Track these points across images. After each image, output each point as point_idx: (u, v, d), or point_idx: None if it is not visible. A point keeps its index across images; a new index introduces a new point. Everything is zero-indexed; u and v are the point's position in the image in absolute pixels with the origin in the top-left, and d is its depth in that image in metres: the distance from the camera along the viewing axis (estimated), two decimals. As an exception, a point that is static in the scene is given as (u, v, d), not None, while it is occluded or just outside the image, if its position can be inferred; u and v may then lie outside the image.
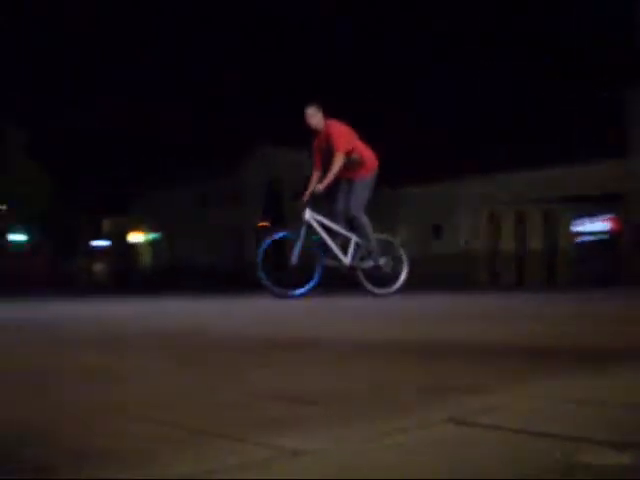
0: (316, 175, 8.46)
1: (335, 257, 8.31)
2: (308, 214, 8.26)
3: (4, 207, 35.98)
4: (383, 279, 8.67)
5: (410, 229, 29.68)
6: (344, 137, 8.24)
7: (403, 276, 8.72)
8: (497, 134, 25.71)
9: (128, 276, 38.30)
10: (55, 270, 37.37)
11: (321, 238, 8.31)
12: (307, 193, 8.31)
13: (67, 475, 0.86)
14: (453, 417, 1.23)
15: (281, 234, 8.62)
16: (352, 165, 8.22)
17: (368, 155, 8.44)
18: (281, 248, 8.71)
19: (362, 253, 8.44)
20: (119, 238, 42.39)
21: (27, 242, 38.43)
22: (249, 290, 12.62)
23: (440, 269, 25.96)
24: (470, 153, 26.04)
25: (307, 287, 8.13)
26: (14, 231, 37.45)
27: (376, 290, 8.47)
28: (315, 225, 8.30)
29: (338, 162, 8.06)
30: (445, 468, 0.92)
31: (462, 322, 4.13)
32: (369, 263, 8.45)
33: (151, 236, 42.07)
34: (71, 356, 2.30)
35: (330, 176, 8.10)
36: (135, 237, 42.71)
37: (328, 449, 1.00)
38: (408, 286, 8.65)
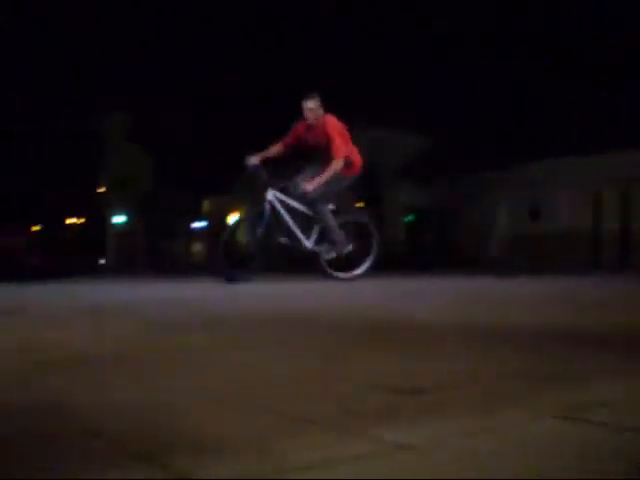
0: (277, 150, 8.19)
1: (295, 238, 7.99)
2: (271, 194, 7.92)
3: (105, 189, 37.12)
4: (348, 262, 8.27)
5: (508, 212, 29.05)
6: (345, 141, 7.93)
7: (370, 260, 8.26)
8: (597, 115, 24.78)
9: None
10: (154, 252, 38.38)
11: (282, 218, 7.93)
12: (258, 156, 7.96)
13: (185, 462, 0.87)
14: (562, 411, 1.18)
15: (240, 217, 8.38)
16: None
17: (357, 160, 8.09)
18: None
19: (325, 246, 8.08)
20: (218, 219, 43.13)
21: (127, 223, 39.52)
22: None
23: (542, 252, 25.35)
24: (566, 134, 25.24)
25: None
26: (116, 213, 38.59)
27: (336, 274, 8.05)
28: (277, 205, 7.95)
29: (335, 167, 7.72)
30: (561, 466, 0.89)
31: (557, 307, 4.01)
32: (331, 255, 8.09)
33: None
34: (176, 339, 2.34)
35: (322, 179, 7.72)
36: (234, 218, 43.33)
37: (435, 443, 0.98)
38: (522, 270, 8.40)
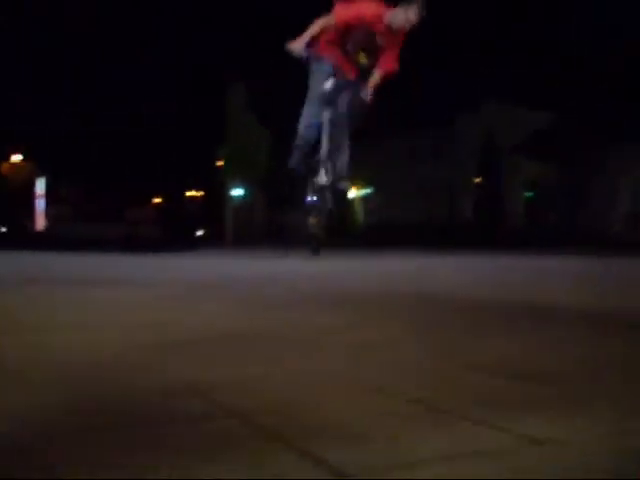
0: None
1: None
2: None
3: (224, 162, 37.73)
4: None
5: (634, 188, 27.83)
6: None
7: None
8: None
9: (340, 232, 39.12)
10: (272, 225, 38.91)
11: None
12: None
13: (319, 448, 0.85)
14: None
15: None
16: None
17: None
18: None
19: None
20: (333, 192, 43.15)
21: (245, 197, 40.11)
22: (461, 248, 12.44)
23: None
24: None
25: None
26: (234, 186, 39.23)
27: None
28: None
29: None
30: None
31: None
32: None
33: (363, 191, 42.58)
34: (305, 318, 2.32)
35: None
36: (351, 192, 43.27)
37: (572, 440, 0.92)
38: None
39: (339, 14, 6.72)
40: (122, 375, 1.26)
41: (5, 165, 56.77)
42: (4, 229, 48.51)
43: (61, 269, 5.13)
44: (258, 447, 0.84)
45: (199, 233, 35.29)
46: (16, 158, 56.76)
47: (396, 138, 39.97)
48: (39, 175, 55.39)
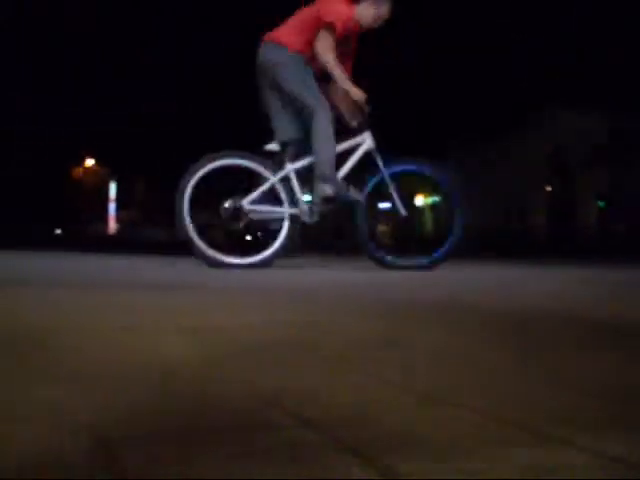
0: None
1: None
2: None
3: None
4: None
5: None
6: None
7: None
8: None
9: (409, 240, 38.93)
10: (342, 232, 38.95)
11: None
12: None
13: (388, 461, 0.80)
14: None
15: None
16: None
17: None
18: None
19: None
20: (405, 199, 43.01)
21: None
22: (534, 257, 12.11)
23: None
24: None
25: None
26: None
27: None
28: None
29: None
30: None
31: None
32: None
33: (431, 199, 42.30)
34: (372, 327, 2.17)
35: None
36: (420, 199, 42.97)
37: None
38: None
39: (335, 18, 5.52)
40: (196, 379, 1.25)
41: (78, 169, 58.61)
42: (59, 231, 50.00)
43: (120, 272, 5.11)
44: (332, 459, 0.80)
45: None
46: (89, 162, 58.56)
47: (466, 145, 39.70)
48: (111, 179, 57.08)
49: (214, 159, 5.57)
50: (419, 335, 1.96)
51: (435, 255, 5.88)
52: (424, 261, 5.85)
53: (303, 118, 5.54)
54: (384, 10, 5.66)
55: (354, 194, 5.61)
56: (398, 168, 5.88)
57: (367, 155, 5.80)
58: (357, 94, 5.57)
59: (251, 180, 5.75)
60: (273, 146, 5.64)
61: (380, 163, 5.76)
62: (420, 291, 3.81)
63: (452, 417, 1.03)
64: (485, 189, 38.62)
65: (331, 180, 5.52)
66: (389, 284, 4.33)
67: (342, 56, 5.63)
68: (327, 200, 5.56)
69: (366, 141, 5.78)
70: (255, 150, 5.69)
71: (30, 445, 0.80)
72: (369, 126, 5.81)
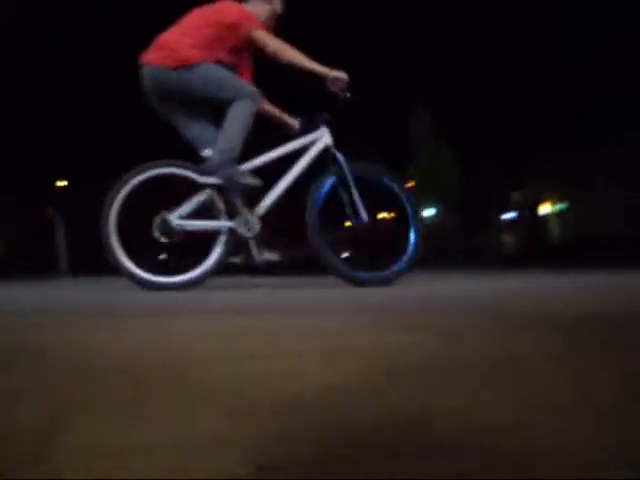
0: None
1: None
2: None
3: (415, 183, 37.89)
4: None
5: None
6: None
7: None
8: None
9: (535, 249, 37.88)
10: (467, 244, 38.48)
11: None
12: None
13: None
14: None
15: None
16: None
17: None
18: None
19: None
20: (529, 209, 41.91)
21: (435, 217, 39.98)
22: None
23: None
24: None
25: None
26: (424, 206, 39.20)
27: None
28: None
29: None
30: None
31: None
32: None
33: (558, 207, 41.02)
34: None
35: None
36: (545, 208, 41.80)
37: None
38: None
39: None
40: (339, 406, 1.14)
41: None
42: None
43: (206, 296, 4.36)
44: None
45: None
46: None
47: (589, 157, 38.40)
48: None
49: (142, 171, 4.77)
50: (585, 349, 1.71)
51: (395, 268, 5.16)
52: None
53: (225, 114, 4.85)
54: (277, 5, 5.20)
55: (250, 180, 4.81)
56: (357, 173, 5.16)
57: (324, 152, 5.14)
58: (339, 73, 4.94)
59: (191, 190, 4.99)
60: (208, 152, 4.88)
61: (342, 160, 5.11)
62: (550, 302, 3.43)
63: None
64: (598, 198, 37.23)
65: (224, 167, 4.77)
66: (513, 295, 4.03)
67: (240, 62, 5.09)
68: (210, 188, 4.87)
69: (324, 137, 5.15)
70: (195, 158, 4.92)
71: (202, 474, 0.75)
72: (337, 118, 5.23)
